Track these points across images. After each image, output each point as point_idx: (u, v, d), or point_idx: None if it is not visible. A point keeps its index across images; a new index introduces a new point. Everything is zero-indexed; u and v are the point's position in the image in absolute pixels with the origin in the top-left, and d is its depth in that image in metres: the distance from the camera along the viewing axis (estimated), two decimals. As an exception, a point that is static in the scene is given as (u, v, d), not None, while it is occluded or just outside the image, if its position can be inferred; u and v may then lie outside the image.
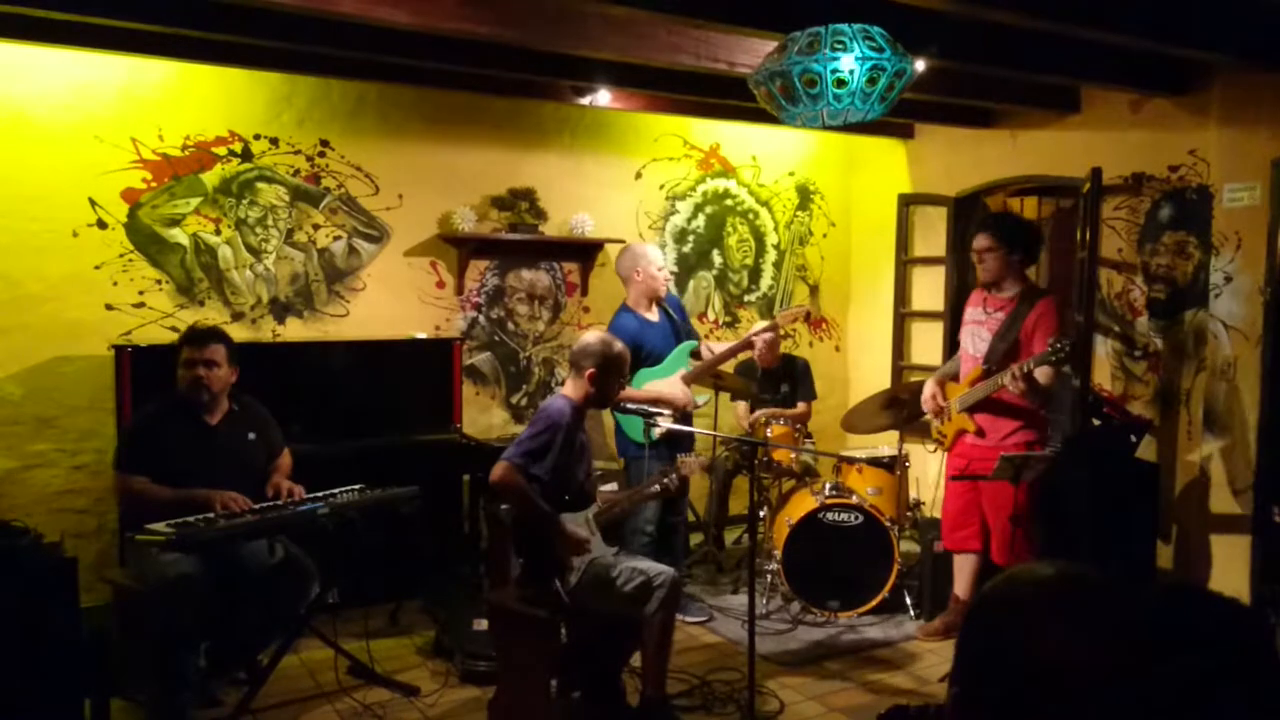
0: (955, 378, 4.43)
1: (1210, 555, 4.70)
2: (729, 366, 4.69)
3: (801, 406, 5.48)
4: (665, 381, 4.59)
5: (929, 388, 4.46)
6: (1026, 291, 4.23)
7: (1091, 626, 0.97)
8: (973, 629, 1.02)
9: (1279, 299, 4.43)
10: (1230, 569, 4.57)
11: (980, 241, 4.25)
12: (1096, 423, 4.79)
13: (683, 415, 4.61)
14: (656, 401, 4.39)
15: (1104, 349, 5.17)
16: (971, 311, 4.39)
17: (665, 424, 3.77)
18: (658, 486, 3.63)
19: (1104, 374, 5.16)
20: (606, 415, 5.36)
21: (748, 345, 4.88)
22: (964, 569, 4.41)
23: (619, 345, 3.52)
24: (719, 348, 4.83)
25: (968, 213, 5.93)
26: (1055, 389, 4.20)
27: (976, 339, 4.31)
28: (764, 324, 5.14)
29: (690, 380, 4.66)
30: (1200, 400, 4.73)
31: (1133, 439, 4.62)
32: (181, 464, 3.59)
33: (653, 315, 4.74)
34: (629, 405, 3.75)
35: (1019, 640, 0.97)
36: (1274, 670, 1.42)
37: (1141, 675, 0.96)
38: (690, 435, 4.32)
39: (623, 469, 4.76)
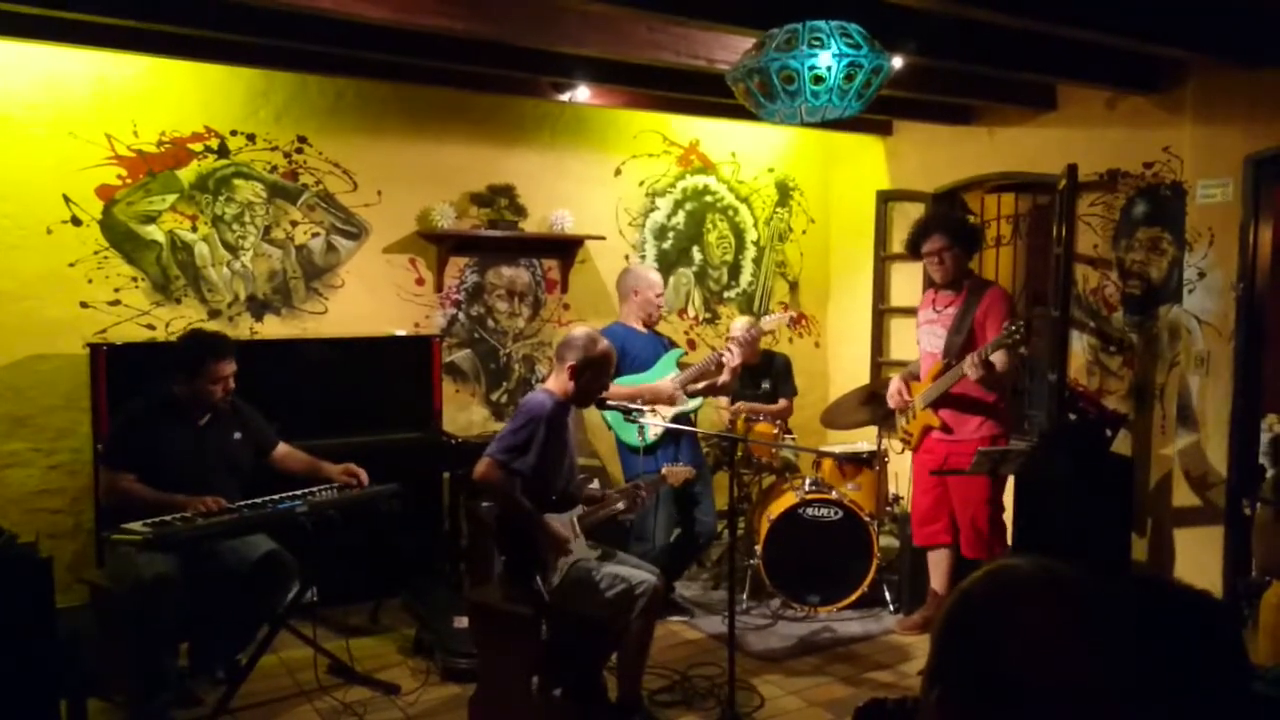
0: (918, 378, 4.49)
1: (1183, 548, 4.76)
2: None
3: (783, 403, 5.50)
4: (653, 383, 4.56)
5: (894, 383, 4.52)
6: (974, 285, 4.32)
7: (1071, 623, 0.98)
8: (952, 629, 1.02)
9: (1251, 295, 4.48)
10: (1203, 562, 4.62)
11: (937, 242, 4.30)
12: (1072, 417, 4.83)
13: (682, 418, 4.60)
14: (639, 395, 4.36)
15: (1080, 344, 5.22)
16: (924, 313, 4.48)
17: (652, 419, 3.74)
18: (621, 505, 3.60)
19: (1080, 369, 5.21)
20: (591, 416, 5.37)
21: (718, 361, 4.71)
22: (939, 564, 4.45)
23: (605, 343, 3.50)
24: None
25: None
26: (1011, 375, 4.25)
27: (932, 336, 4.38)
28: (742, 322, 5.12)
29: (681, 385, 4.61)
30: (1174, 395, 4.78)
31: (1108, 433, 4.67)
32: (170, 463, 3.57)
33: (643, 332, 4.72)
34: (610, 401, 3.72)
35: (1000, 639, 0.97)
36: (1244, 663, 1.44)
37: (1117, 670, 0.97)
38: (691, 435, 4.32)
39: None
